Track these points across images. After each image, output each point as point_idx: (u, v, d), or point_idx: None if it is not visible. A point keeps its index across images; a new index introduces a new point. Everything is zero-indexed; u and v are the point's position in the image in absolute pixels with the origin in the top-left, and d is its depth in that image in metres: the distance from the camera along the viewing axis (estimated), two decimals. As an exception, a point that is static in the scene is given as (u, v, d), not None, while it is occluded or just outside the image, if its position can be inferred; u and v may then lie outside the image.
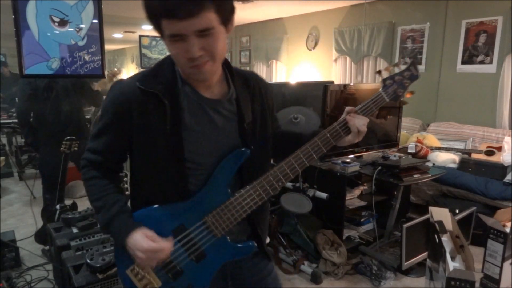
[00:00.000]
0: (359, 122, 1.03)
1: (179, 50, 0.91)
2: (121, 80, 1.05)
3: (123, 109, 0.99)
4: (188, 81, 1.01)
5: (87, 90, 3.31)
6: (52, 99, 3.03)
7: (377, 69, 5.14)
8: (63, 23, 2.58)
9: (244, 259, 1.15)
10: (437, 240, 1.85)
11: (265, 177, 1.03)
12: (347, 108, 1.07)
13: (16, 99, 5.51)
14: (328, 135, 1.04)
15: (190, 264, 1.05)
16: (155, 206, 1.04)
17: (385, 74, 1.11)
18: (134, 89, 0.98)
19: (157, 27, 0.92)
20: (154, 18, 0.90)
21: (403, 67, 1.12)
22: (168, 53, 1.01)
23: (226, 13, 0.91)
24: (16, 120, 5.16)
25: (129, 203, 1.11)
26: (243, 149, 1.05)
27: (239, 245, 1.08)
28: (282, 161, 1.03)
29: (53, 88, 3.03)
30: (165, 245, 0.99)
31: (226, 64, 1.07)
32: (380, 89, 1.09)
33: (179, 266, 1.05)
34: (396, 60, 4.98)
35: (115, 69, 4.55)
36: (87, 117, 4.16)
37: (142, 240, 0.97)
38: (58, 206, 2.77)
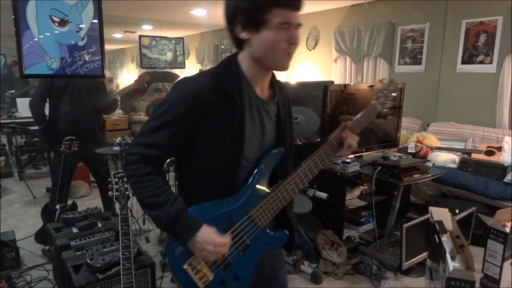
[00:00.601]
0: (352, 140, 1.20)
1: (283, 37, 1.02)
2: (189, 78, 1.08)
3: (196, 104, 1.03)
4: (249, 81, 1.10)
5: (101, 95, 3.29)
6: (67, 99, 3.06)
7: (376, 71, 5.16)
8: (63, 23, 2.58)
9: (268, 250, 1.24)
10: (437, 240, 1.85)
11: (296, 173, 1.16)
12: (343, 124, 1.26)
13: (16, 99, 5.55)
14: (328, 148, 1.20)
15: (237, 255, 1.13)
16: (206, 202, 1.10)
17: (375, 88, 1.37)
18: (206, 86, 1.04)
19: (262, 14, 1.00)
20: (270, 5, 0.99)
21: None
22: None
23: None
24: (16, 120, 5.19)
25: None
26: (281, 148, 1.18)
27: (275, 234, 1.20)
28: (308, 159, 1.17)
29: (68, 88, 3.06)
30: (228, 241, 1.08)
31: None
32: (373, 100, 1.33)
33: (228, 258, 1.12)
34: (396, 60, 4.99)
35: (144, 75, 4.51)
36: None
37: (213, 234, 1.05)
38: (58, 206, 2.77)
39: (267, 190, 1.15)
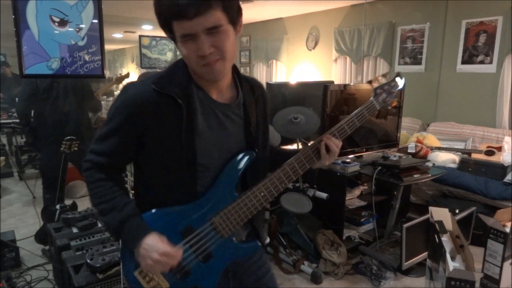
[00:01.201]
0: (331, 143, 1.09)
1: (191, 50, 0.94)
2: (133, 82, 1.05)
3: (137, 111, 0.99)
4: (200, 85, 1.04)
5: (87, 93, 3.31)
6: (52, 100, 3.03)
7: (376, 71, 5.12)
8: (63, 23, 2.58)
9: (244, 259, 1.17)
10: (437, 240, 1.85)
11: (269, 179, 1.06)
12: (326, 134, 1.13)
13: (17, 98, 5.55)
14: (310, 152, 1.10)
15: (197, 265, 1.06)
16: (164, 208, 1.05)
17: (374, 84, 1.21)
18: (148, 91, 0.99)
19: (169, 30, 0.95)
20: (165, 21, 0.94)
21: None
22: (180, 56, 1.04)
23: (233, 12, 0.95)
24: (16, 120, 5.18)
25: None
26: (250, 151, 1.09)
27: (244, 245, 1.12)
28: (284, 163, 1.08)
29: (54, 89, 3.03)
30: (178, 252, 1.00)
31: (234, 70, 1.10)
32: (372, 97, 1.18)
33: (187, 267, 1.06)
34: (396, 60, 4.99)
35: (121, 74, 4.56)
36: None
37: (159, 243, 0.98)
38: (58, 206, 2.77)
39: (233, 198, 1.06)
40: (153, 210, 1.05)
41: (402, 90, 3.20)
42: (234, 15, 0.96)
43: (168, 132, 1.00)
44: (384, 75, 1.21)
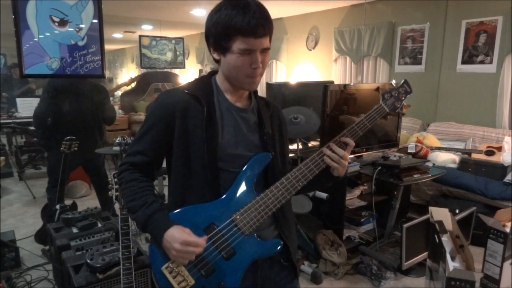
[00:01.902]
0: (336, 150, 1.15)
1: (246, 62, 1.08)
2: (167, 90, 1.20)
3: (168, 111, 1.12)
4: (223, 92, 1.17)
5: (102, 99, 3.31)
6: (67, 102, 3.06)
7: (376, 71, 5.11)
8: (63, 23, 2.58)
9: (274, 272, 1.22)
10: (437, 240, 1.85)
11: (286, 178, 1.14)
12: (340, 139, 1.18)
13: (17, 99, 5.55)
14: (311, 164, 1.16)
15: (220, 262, 1.10)
16: (186, 207, 1.11)
17: (382, 90, 1.29)
18: (179, 95, 1.14)
19: (226, 41, 1.06)
20: (229, 33, 1.05)
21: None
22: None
23: (272, 36, 1.12)
24: (16, 120, 5.19)
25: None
26: (266, 152, 1.17)
27: (265, 242, 1.15)
28: (300, 163, 1.16)
29: (70, 91, 3.06)
30: (200, 241, 1.05)
31: None
32: (381, 101, 1.25)
33: (210, 263, 1.10)
34: (396, 60, 4.99)
35: (132, 77, 4.57)
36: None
37: (179, 233, 1.04)
38: (58, 206, 2.77)
39: (252, 195, 1.12)
40: (177, 210, 1.12)
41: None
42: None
43: (192, 131, 1.11)
44: (391, 84, 1.31)
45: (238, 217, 1.10)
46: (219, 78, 1.19)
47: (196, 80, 1.23)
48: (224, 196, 1.12)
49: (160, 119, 1.13)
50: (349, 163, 2.81)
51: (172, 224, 1.07)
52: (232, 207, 1.11)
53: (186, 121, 1.11)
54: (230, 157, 1.13)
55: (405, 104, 1.30)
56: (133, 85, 7.67)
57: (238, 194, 1.12)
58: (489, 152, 3.65)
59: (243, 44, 1.05)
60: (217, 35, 1.08)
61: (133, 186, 1.14)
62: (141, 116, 6.41)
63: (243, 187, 1.13)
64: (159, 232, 1.06)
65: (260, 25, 1.04)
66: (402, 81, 1.29)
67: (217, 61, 1.14)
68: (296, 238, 1.30)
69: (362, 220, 3.00)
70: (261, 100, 1.26)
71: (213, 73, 1.23)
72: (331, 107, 2.74)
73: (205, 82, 1.19)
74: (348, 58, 5.66)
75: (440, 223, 1.92)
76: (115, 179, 1.61)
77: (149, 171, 1.18)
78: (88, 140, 3.21)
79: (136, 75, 8.93)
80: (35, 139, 5.22)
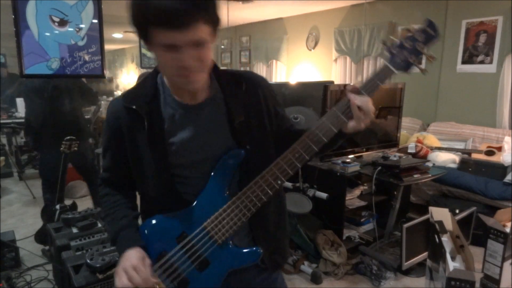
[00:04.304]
0: (362, 101, 0.92)
1: (171, 60, 0.88)
2: (115, 98, 1.10)
3: (115, 126, 1.04)
4: (172, 92, 1.01)
5: (85, 90, 3.35)
6: (52, 100, 3.04)
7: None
8: (63, 23, 2.58)
9: (251, 275, 1.10)
10: (437, 240, 1.85)
11: (261, 177, 0.97)
12: (349, 87, 0.95)
13: (15, 99, 5.54)
14: (328, 123, 0.95)
15: (194, 273, 1.02)
16: (158, 216, 1.05)
17: (389, 41, 0.96)
18: (119, 106, 1.03)
19: (142, 32, 0.88)
20: (144, 23, 0.85)
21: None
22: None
23: (216, 24, 0.90)
24: (16, 120, 5.19)
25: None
26: (237, 150, 1.02)
27: (242, 251, 1.04)
28: (278, 157, 0.97)
29: (55, 89, 3.05)
30: (150, 277, 0.96)
31: (212, 67, 1.02)
32: (387, 61, 0.94)
33: (183, 274, 1.02)
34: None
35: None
36: (86, 117, 4.20)
37: (136, 257, 0.97)
38: (58, 206, 2.77)
39: (224, 200, 1.00)
40: (148, 219, 1.06)
41: (402, 90, 3.22)
42: (216, 26, 0.90)
43: (139, 147, 1.01)
44: (408, 30, 0.93)
45: (209, 225, 0.99)
46: (162, 72, 1.03)
47: (138, 84, 1.06)
48: (195, 203, 1.02)
49: (111, 136, 1.06)
50: (349, 163, 2.81)
51: (137, 245, 1.01)
52: (203, 214, 1.01)
53: (132, 136, 1.02)
54: (192, 164, 1.02)
55: (427, 54, 0.95)
56: (133, 83, 7.66)
57: (209, 200, 1.01)
58: (489, 152, 3.65)
59: (161, 38, 0.84)
60: (133, 24, 0.88)
61: (105, 202, 1.11)
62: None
63: (213, 192, 1.01)
64: (121, 250, 1.01)
65: (182, 10, 0.80)
66: (426, 23, 0.92)
67: None
68: (282, 234, 1.16)
69: (362, 220, 3.00)
70: (228, 81, 1.04)
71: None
72: (331, 107, 2.73)
73: (147, 86, 1.02)
74: (348, 58, 5.66)
75: (440, 223, 1.92)
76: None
77: (118, 185, 1.12)
78: (72, 134, 3.16)
79: (137, 75, 8.91)
80: (23, 139, 5.26)
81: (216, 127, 1.02)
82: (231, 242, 1.03)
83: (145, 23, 0.85)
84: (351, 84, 0.96)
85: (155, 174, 1.02)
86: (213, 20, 0.88)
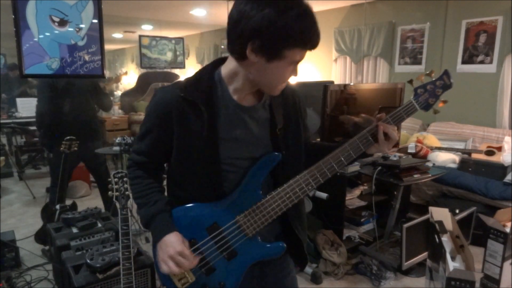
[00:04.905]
0: (389, 130, 1.06)
1: (290, 72, 1.03)
2: (163, 88, 1.12)
3: (164, 114, 1.06)
4: (228, 89, 1.07)
5: (99, 92, 3.33)
6: (66, 101, 3.06)
7: (376, 71, 5.08)
8: (63, 23, 2.58)
9: (271, 265, 1.20)
10: (437, 240, 1.85)
11: (295, 181, 1.07)
12: (378, 116, 1.10)
13: (16, 100, 5.54)
14: (358, 142, 1.08)
15: (222, 262, 1.10)
16: (192, 204, 1.10)
17: (416, 83, 1.12)
18: (175, 96, 1.06)
19: (281, 48, 0.95)
20: (293, 44, 0.95)
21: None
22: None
23: None
24: (16, 120, 5.19)
25: None
26: (275, 153, 1.11)
27: (268, 245, 1.12)
28: (312, 166, 1.08)
29: (69, 89, 3.06)
30: (194, 259, 1.06)
31: None
32: (412, 97, 1.11)
33: (211, 262, 1.10)
34: (396, 60, 4.99)
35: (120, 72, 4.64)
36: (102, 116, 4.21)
37: (178, 242, 1.05)
38: (58, 206, 2.77)
39: (258, 198, 1.09)
40: (182, 206, 1.11)
41: (402, 90, 3.22)
42: None
43: (192, 135, 1.06)
44: (428, 74, 1.13)
45: (242, 219, 1.08)
46: (227, 73, 1.07)
47: (196, 76, 1.10)
48: (230, 196, 1.09)
49: (158, 122, 1.08)
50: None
51: (173, 229, 1.08)
52: (236, 208, 1.09)
53: (184, 125, 1.06)
54: (235, 160, 1.09)
55: (441, 99, 1.13)
56: (134, 84, 7.68)
57: (244, 195, 1.09)
58: (489, 152, 3.65)
59: (298, 56, 0.99)
60: (273, 39, 0.93)
61: (137, 184, 1.15)
62: (141, 116, 6.42)
63: (249, 188, 1.09)
64: (159, 234, 1.08)
65: (317, 32, 0.98)
66: (442, 72, 1.11)
67: (242, 60, 1.00)
68: (304, 226, 1.26)
69: (362, 220, 2.99)
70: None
71: (218, 62, 1.10)
72: (331, 107, 2.73)
73: (205, 80, 1.08)
74: (348, 58, 5.67)
75: (440, 223, 1.91)
76: (115, 179, 1.61)
77: (151, 169, 1.17)
78: (87, 137, 3.21)
79: (137, 75, 8.92)
80: (36, 139, 5.23)
81: (262, 131, 1.12)
82: (259, 236, 1.11)
83: (295, 43, 0.95)
84: (383, 114, 1.10)
85: (204, 165, 1.07)
86: None
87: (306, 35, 0.94)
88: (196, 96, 1.04)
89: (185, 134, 1.06)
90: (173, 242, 1.05)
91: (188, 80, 1.09)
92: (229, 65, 1.06)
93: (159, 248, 1.07)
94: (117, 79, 4.46)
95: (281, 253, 1.13)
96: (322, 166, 1.08)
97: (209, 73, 1.09)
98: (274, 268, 1.23)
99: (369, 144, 1.08)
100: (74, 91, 3.10)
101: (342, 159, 1.08)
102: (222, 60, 1.10)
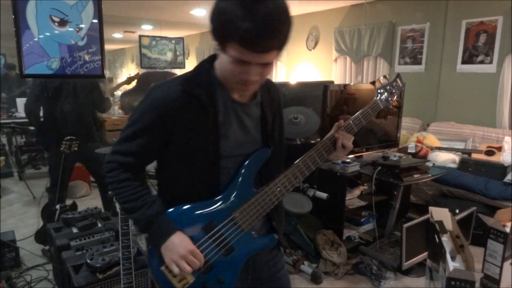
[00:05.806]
0: (345, 141, 1.17)
1: (239, 72, 0.98)
2: (160, 84, 1.08)
3: (165, 111, 1.03)
4: (225, 86, 1.07)
5: (96, 94, 3.31)
6: (62, 100, 3.05)
7: (376, 71, 5.11)
8: (63, 23, 2.58)
9: (263, 253, 1.22)
10: (437, 240, 1.85)
11: (285, 175, 1.12)
12: (337, 123, 1.21)
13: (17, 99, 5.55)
14: (322, 150, 1.17)
15: (220, 259, 1.11)
16: (185, 204, 1.09)
17: (377, 85, 1.31)
18: (175, 92, 1.03)
19: (221, 40, 0.94)
20: (228, 37, 0.92)
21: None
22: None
23: (283, 49, 0.99)
24: (16, 120, 5.19)
25: None
26: (266, 148, 1.15)
27: (262, 238, 1.18)
28: (298, 160, 1.14)
29: (63, 88, 3.05)
30: (202, 256, 1.06)
31: None
32: (376, 97, 1.27)
33: (210, 261, 1.10)
34: (396, 60, 4.99)
35: (130, 74, 4.65)
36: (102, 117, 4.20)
37: (187, 241, 1.05)
38: (58, 206, 2.77)
39: (251, 192, 1.12)
40: (177, 207, 1.09)
41: (402, 90, 3.21)
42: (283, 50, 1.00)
43: (195, 132, 1.05)
44: (385, 77, 1.31)
45: (237, 215, 1.09)
46: (219, 69, 1.06)
47: (196, 70, 1.09)
48: (224, 193, 1.10)
49: (156, 120, 1.04)
50: (349, 163, 2.82)
51: (176, 229, 1.06)
52: (231, 204, 1.10)
53: (186, 121, 1.04)
54: (234, 157, 1.11)
55: (395, 99, 1.32)
56: (133, 83, 7.67)
57: (238, 191, 1.11)
58: (489, 152, 3.65)
59: (237, 53, 0.92)
60: (214, 30, 0.95)
61: (127, 187, 1.08)
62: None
63: (242, 184, 1.11)
64: (163, 236, 1.04)
65: (265, 38, 0.89)
66: (395, 75, 1.31)
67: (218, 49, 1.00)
68: (283, 220, 1.30)
69: (362, 220, 3.00)
70: (263, 87, 1.16)
71: (214, 57, 1.08)
72: (331, 107, 2.74)
73: (205, 75, 1.07)
74: (348, 58, 5.66)
75: (440, 223, 1.92)
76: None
77: (138, 171, 1.13)
78: (84, 137, 3.19)
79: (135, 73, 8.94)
80: (35, 138, 5.23)
81: (254, 127, 1.14)
82: (253, 230, 1.14)
83: (227, 38, 0.92)
84: (341, 121, 1.22)
85: (204, 161, 1.07)
86: (284, 46, 0.97)
87: (239, 30, 0.88)
88: (199, 91, 1.04)
89: (186, 131, 1.05)
90: (182, 241, 1.04)
91: (188, 75, 1.08)
92: (218, 62, 1.05)
93: (166, 250, 1.04)
94: (129, 82, 4.44)
95: (274, 244, 1.19)
96: (307, 160, 1.15)
97: (206, 69, 1.08)
98: (268, 262, 1.26)
99: (330, 152, 1.18)
100: (70, 91, 3.07)
101: (317, 158, 1.17)
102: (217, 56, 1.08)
